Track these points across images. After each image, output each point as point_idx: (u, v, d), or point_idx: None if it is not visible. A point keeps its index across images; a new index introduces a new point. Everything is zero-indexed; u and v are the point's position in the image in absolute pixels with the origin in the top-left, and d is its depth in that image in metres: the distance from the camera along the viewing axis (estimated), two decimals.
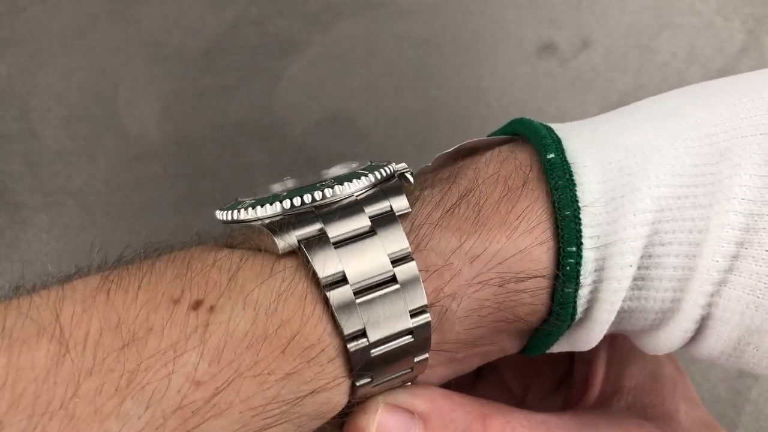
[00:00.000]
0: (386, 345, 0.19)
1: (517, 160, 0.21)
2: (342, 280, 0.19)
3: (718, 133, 0.20)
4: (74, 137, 0.40)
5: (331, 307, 0.18)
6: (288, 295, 0.18)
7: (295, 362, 0.18)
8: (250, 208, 0.20)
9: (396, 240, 0.19)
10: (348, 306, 0.19)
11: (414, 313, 0.19)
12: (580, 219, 0.19)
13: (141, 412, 0.16)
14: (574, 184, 0.20)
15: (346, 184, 0.20)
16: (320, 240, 0.19)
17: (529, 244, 0.20)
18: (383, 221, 0.20)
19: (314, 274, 0.19)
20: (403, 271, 0.19)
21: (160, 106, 0.41)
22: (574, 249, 0.20)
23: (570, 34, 0.42)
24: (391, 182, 0.21)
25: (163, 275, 0.18)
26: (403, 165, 0.22)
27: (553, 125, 0.22)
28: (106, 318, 0.17)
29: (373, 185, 0.20)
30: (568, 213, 0.20)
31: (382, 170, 0.21)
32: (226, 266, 0.19)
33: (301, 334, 0.18)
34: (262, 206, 0.20)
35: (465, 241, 0.20)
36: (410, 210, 0.20)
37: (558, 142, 0.21)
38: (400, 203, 0.20)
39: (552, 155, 0.20)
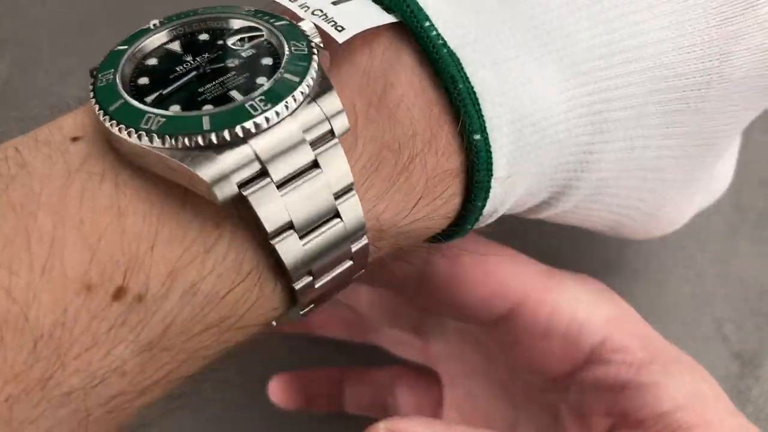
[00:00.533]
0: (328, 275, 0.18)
1: (432, 109, 0.20)
2: (289, 227, 0.17)
3: (602, 102, 0.21)
4: None
5: (281, 261, 0.17)
6: (236, 276, 0.17)
7: (237, 332, 0.17)
8: (166, 137, 0.15)
9: (342, 177, 0.17)
10: (301, 261, 0.17)
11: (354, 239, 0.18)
12: (486, 200, 0.20)
13: (62, 414, 0.15)
14: (491, 177, 0.20)
15: (282, 106, 0.16)
16: (263, 183, 0.16)
17: (442, 215, 0.21)
18: (326, 151, 0.17)
19: (260, 229, 0.16)
20: (347, 208, 0.18)
21: None
22: (479, 204, 0.21)
23: None
24: (324, 85, 0.17)
25: (63, 247, 0.15)
26: (314, 34, 0.18)
27: (450, 41, 0.19)
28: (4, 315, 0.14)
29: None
30: (468, 227, 0.21)
31: (312, 68, 0.17)
32: (147, 234, 0.16)
33: (245, 300, 0.17)
34: (182, 134, 0.15)
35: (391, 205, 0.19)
36: (349, 128, 0.18)
37: (476, 102, 0.19)
38: (340, 125, 0.17)
39: (483, 169, 0.20)
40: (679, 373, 0.24)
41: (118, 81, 0.17)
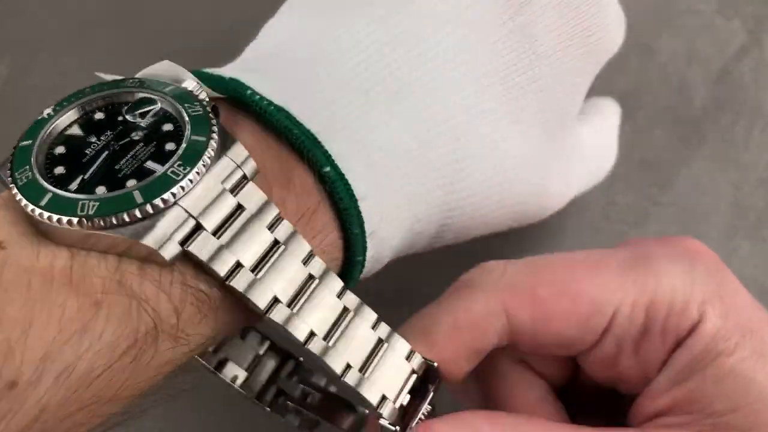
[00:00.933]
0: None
1: (281, 158, 0.21)
2: (238, 266, 0.18)
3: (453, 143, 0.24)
4: None
5: (238, 294, 0.18)
6: (112, 353, 0.17)
7: (115, 403, 0.18)
8: (106, 218, 0.17)
9: (259, 202, 0.19)
10: (253, 286, 0.19)
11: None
12: (362, 226, 0.22)
13: None
14: (356, 201, 0.22)
15: (200, 166, 0.18)
16: (200, 235, 0.18)
17: (324, 251, 0.22)
18: (245, 193, 0.19)
19: (213, 275, 0.18)
20: (281, 230, 0.19)
21: None
22: (356, 231, 0.22)
23: None
24: (226, 138, 0.19)
25: None
26: (200, 91, 0.20)
27: (314, 131, 0.22)
28: None
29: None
30: (359, 258, 0.23)
31: (212, 125, 0.19)
32: (21, 320, 0.16)
33: (126, 373, 0.17)
34: (119, 212, 0.17)
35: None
36: (258, 168, 0.19)
37: (350, 191, 0.21)
38: (250, 168, 0.19)
39: (346, 197, 0.22)
40: (759, 365, 0.22)
41: (38, 176, 0.18)
